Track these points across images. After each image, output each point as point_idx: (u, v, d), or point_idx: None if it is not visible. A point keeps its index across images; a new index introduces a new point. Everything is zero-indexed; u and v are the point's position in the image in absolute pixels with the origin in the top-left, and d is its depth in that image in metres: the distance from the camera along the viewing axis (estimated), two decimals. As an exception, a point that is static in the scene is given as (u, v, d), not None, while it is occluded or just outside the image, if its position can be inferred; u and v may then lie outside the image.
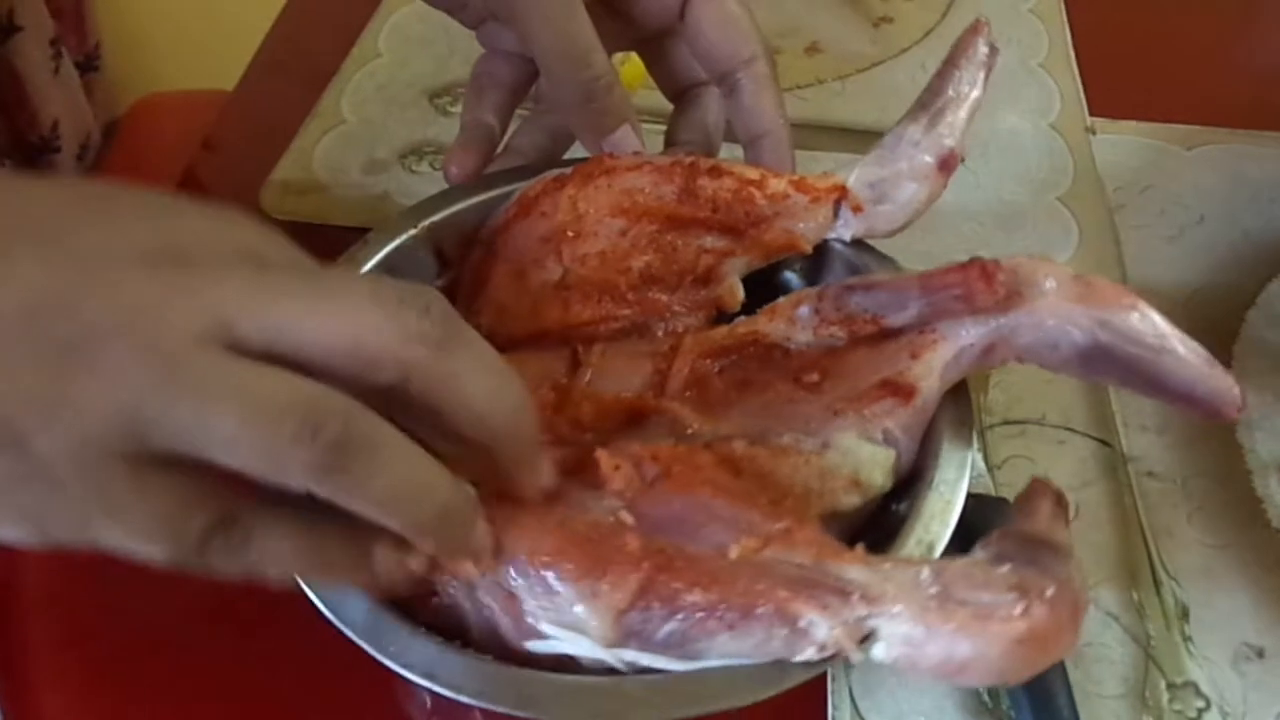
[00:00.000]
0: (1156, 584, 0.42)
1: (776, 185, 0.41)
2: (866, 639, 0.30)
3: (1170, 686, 0.39)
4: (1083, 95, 0.66)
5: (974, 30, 0.41)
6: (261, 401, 0.25)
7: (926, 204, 0.41)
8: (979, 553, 0.32)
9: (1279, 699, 0.39)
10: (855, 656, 0.30)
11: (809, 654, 0.30)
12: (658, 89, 0.49)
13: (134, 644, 0.41)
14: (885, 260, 0.42)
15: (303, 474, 0.25)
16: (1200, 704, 0.39)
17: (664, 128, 0.49)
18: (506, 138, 0.48)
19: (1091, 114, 0.65)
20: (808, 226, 0.41)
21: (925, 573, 0.30)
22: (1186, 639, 0.41)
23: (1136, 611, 0.42)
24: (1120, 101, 0.65)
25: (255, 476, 0.25)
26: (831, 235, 0.42)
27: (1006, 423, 0.48)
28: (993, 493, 0.45)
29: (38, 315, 0.25)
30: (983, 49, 0.41)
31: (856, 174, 0.41)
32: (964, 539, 0.41)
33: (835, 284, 0.39)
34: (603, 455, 0.33)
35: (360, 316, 0.26)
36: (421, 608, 0.33)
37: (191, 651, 0.41)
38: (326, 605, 0.32)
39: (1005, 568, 0.31)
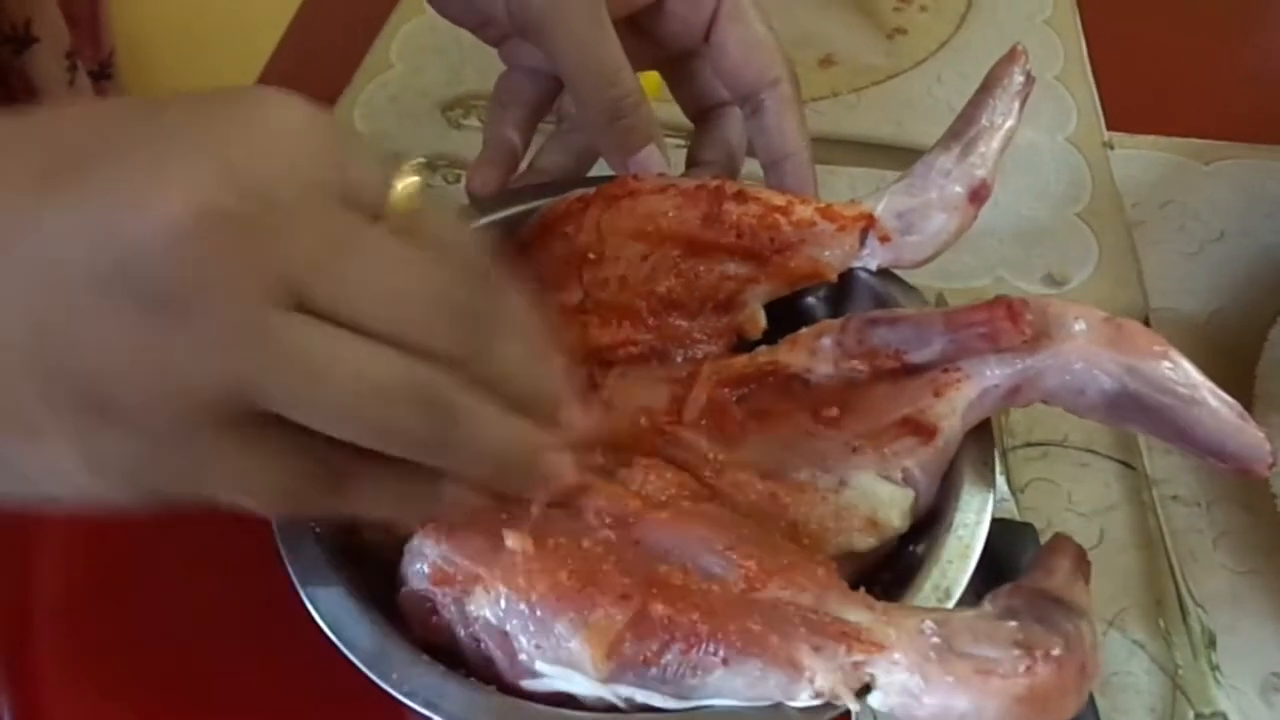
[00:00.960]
0: (1183, 611, 0.42)
1: (803, 212, 0.41)
2: (865, 687, 0.30)
3: (1198, 717, 0.39)
4: (1100, 109, 0.65)
5: (1010, 58, 0.40)
6: (360, 380, 0.25)
7: (955, 236, 0.40)
8: (987, 605, 0.32)
9: (1309, 730, 0.39)
10: (852, 705, 0.29)
11: (805, 698, 0.30)
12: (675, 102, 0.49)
13: (142, 656, 0.41)
14: (911, 291, 0.41)
15: (404, 447, 0.27)
16: (1229, 735, 0.39)
17: (683, 142, 0.48)
18: (530, 155, 0.48)
19: (1109, 128, 0.64)
20: (833, 255, 0.41)
21: (928, 623, 0.30)
22: (1214, 668, 0.40)
23: (1163, 639, 0.41)
24: (1138, 116, 0.65)
25: (356, 442, 0.26)
26: (857, 264, 0.41)
27: (1029, 445, 0.48)
28: (1017, 516, 0.44)
29: (115, 271, 0.24)
30: (1019, 78, 0.40)
31: (885, 203, 0.41)
32: (988, 566, 0.41)
33: (858, 316, 0.38)
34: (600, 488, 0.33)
35: (425, 303, 0.27)
36: (421, 625, 0.33)
37: (199, 664, 0.41)
38: (333, 630, 0.32)
39: (1012, 623, 0.30)
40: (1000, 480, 0.46)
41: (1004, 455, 0.47)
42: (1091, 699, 0.38)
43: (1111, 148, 0.63)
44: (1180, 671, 0.40)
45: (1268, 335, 0.53)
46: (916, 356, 0.36)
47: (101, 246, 0.24)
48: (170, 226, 0.23)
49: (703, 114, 0.48)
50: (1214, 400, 0.34)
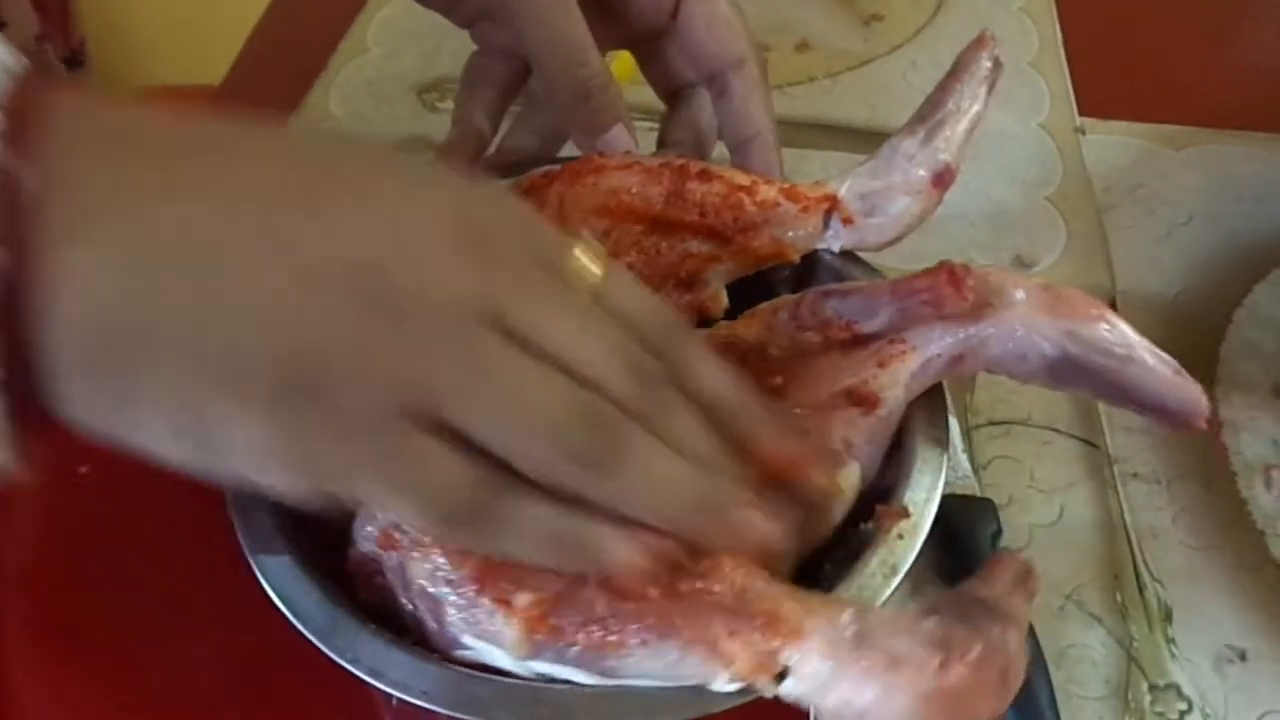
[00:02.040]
0: (1140, 586, 0.42)
1: (767, 192, 0.41)
2: (781, 675, 0.30)
3: (1152, 688, 0.40)
4: (1072, 95, 0.66)
5: (979, 44, 0.40)
6: (550, 406, 0.28)
7: (919, 219, 0.40)
8: (912, 605, 0.32)
9: (1261, 701, 0.39)
10: (768, 691, 0.30)
11: (722, 682, 0.30)
12: (648, 84, 0.49)
13: (105, 632, 0.41)
14: (873, 273, 0.41)
15: (570, 471, 0.28)
16: (1182, 706, 0.39)
17: (654, 124, 0.48)
18: (498, 137, 0.48)
19: (1081, 114, 0.65)
20: (796, 235, 0.41)
21: (847, 614, 0.29)
22: (1169, 641, 0.41)
23: (1120, 613, 0.42)
24: (1109, 102, 0.65)
25: (522, 468, 0.28)
26: (820, 246, 0.41)
27: (992, 423, 0.48)
28: (978, 494, 0.45)
29: (358, 272, 0.26)
30: (985, 63, 0.40)
31: (849, 185, 0.41)
32: (948, 541, 0.41)
33: (814, 290, 0.38)
34: None
35: (616, 358, 0.29)
36: (366, 586, 0.33)
37: (168, 640, 0.41)
38: (281, 599, 0.32)
39: (931, 621, 0.30)
40: (962, 458, 0.47)
41: (967, 433, 0.48)
42: (1046, 669, 0.38)
43: (1083, 133, 0.64)
44: (1135, 644, 0.41)
45: (1232, 317, 0.53)
46: (866, 326, 0.36)
47: (350, 252, 0.27)
48: (412, 244, 0.27)
49: (673, 94, 0.48)
50: (1150, 358, 0.35)
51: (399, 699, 0.31)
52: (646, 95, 0.50)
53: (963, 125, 0.41)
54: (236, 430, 0.27)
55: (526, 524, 0.29)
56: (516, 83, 0.48)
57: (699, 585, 0.30)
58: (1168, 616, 0.42)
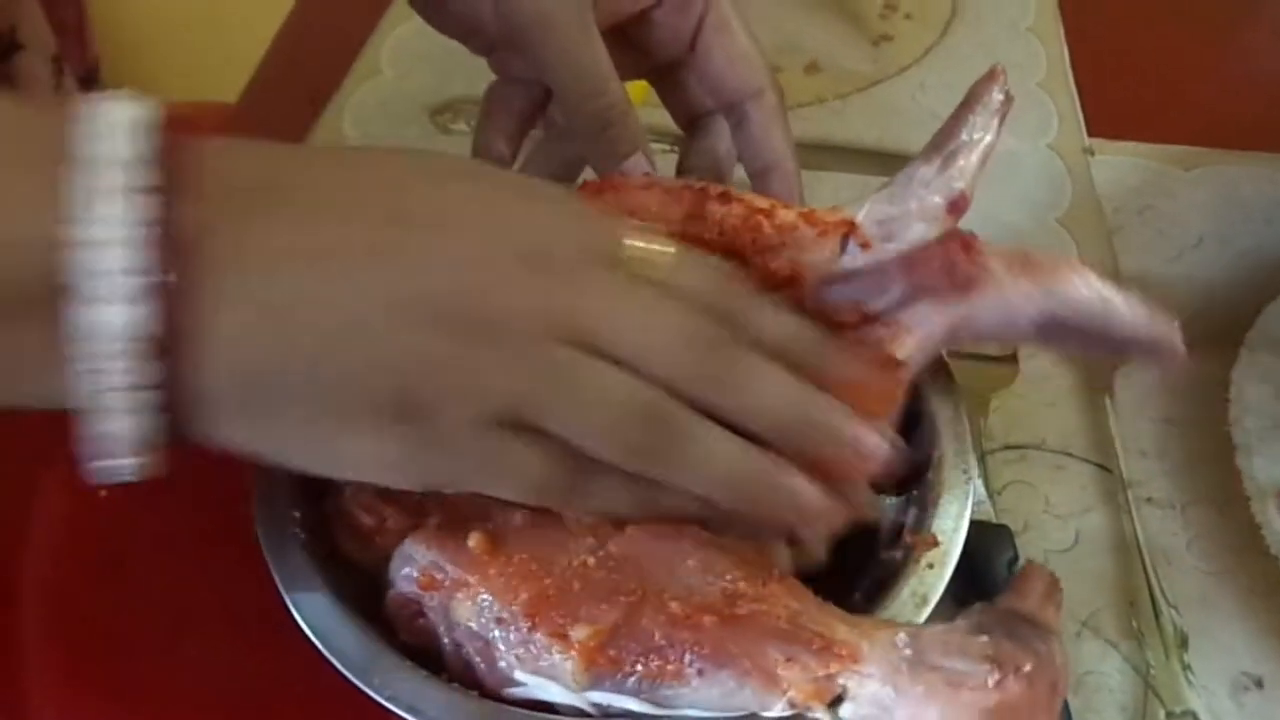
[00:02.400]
0: (1156, 612, 0.43)
1: (785, 216, 0.41)
2: (837, 699, 0.30)
3: (1169, 715, 0.40)
4: (1081, 116, 0.66)
5: (989, 78, 0.41)
6: (615, 405, 0.31)
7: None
8: (960, 621, 0.32)
9: (1277, 729, 0.40)
10: (823, 717, 0.30)
11: (778, 709, 0.30)
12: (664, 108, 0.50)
13: (128, 653, 0.41)
14: None
15: (641, 461, 0.32)
16: (1199, 733, 0.39)
17: (668, 148, 0.49)
18: (517, 164, 0.48)
19: (1090, 135, 0.65)
20: (813, 259, 0.41)
21: (901, 636, 0.30)
22: (1186, 668, 0.41)
23: (1136, 639, 0.42)
24: (1118, 122, 0.65)
25: (596, 455, 0.32)
26: (836, 270, 0.42)
27: (1006, 448, 0.49)
28: (993, 519, 0.45)
29: (441, 305, 0.30)
30: (998, 96, 0.41)
31: (866, 210, 0.41)
32: (965, 568, 0.41)
33: (813, 279, 0.39)
34: None
35: (677, 339, 0.32)
36: (406, 627, 0.34)
37: (184, 663, 0.41)
38: (317, 635, 0.33)
39: (984, 638, 0.31)
40: (977, 483, 0.47)
41: (982, 458, 0.48)
42: (1065, 702, 0.38)
43: (1092, 154, 0.64)
44: (1152, 671, 0.41)
45: (1243, 340, 0.54)
46: (877, 304, 0.37)
47: (442, 281, 0.30)
48: (496, 274, 0.31)
49: (692, 122, 0.49)
50: (1123, 303, 0.37)
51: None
52: (662, 117, 0.50)
53: (975, 155, 0.41)
54: (359, 452, 0.31)
55: (605, 493, 0.33)
56: (535, 110, 0.49)
57: (753, 608, 0.31)
58: (1184, 643, 0.42)
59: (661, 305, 0.33)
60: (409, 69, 0.69)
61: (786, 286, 0.42)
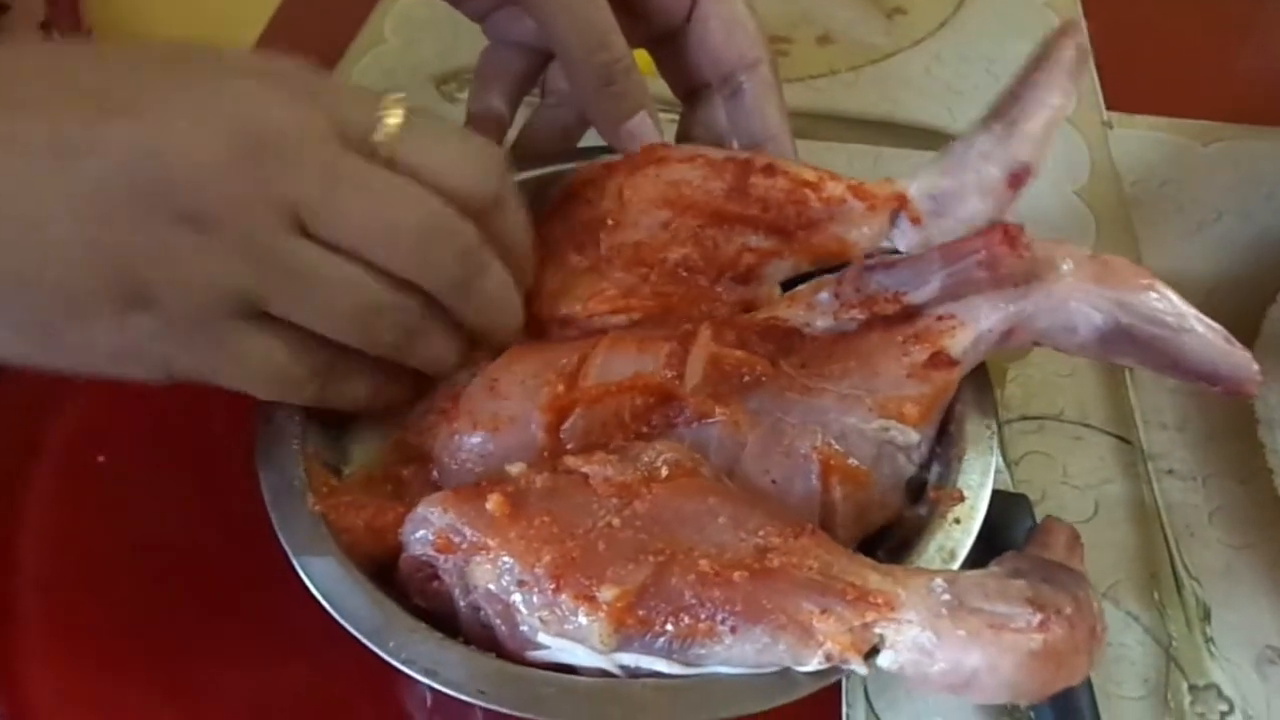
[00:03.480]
0: (1178, 584, 0.41)
1: (834, 189, 0.39)
2: (873, 652, 0.29)
3: (1192, 689, 0.39)
4: (1100, 90, 0.65)
5: (1064, 32, 0.38)
6: (342, 295, 0.32)
7: (989, 223, 0.38)
8: (994, 568, 0.31)
9: (1303, 703, 0.38)
10: (860, 669, 0.29)
11: (814, 663, 0.29)
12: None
13: (127, 631, 0.40)
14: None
15: (379, 351, 0.34)
16: (1223, 707, 0.38)
17: (674, 116, 0.48)
18: (513, 131, 0.47)
19: (1108, 109, 0.64)
20: (861, 234, 0.39)
21: (938, 581, 0.29)
22: (1208, 640, 0.40)
23: (1158, 611, 0.41)
24: (1137, 97, 0.64)
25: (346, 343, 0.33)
26: (885, 246, 0.40)
27: (1024, 418, 0.47)
28: (1011, 489, 0.44)
29: (150, 188, 0.29)
30: (1070, 52, 0.37)
31: (919, 183, 0.38)
32: (982, 536, 0.40)
33: (854, 266, 0.37)
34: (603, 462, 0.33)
35: (405, 237, 0.32)
36: (419, 590, 0.33)
37: (186, 638, 0.40)
38: (329, 600, 0.32)
39: (1021, 582, 0.30)
40: (996, 454, 0.46)
41: (999, 429, 0.47)
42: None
43: (1111, 128, 0.63)
44: (1174, 644, 0.40)
45: (1265, 314, 0.52)
46: (916, 296, 0.36)
47: (150, 168, 0.29)
48: (207, 158, 0.29)
49: (691, 93, 0.48)
50: (1201, 327, 0.34)
51: (436, 694, 0.30)
52: (663, 88, 0.49)
53: (1043, 121, 0.37)
54: (94, 342, 0.31)
55: (347, 382, 0.34)
56: (531, 75, 0.48)
57: (784, 561, 0.29)
58: (1206, 616, 0.41)
59: (389, 193, 0.32)
60: (413, 37, 0.68)
61: (832, 261, 0.40)
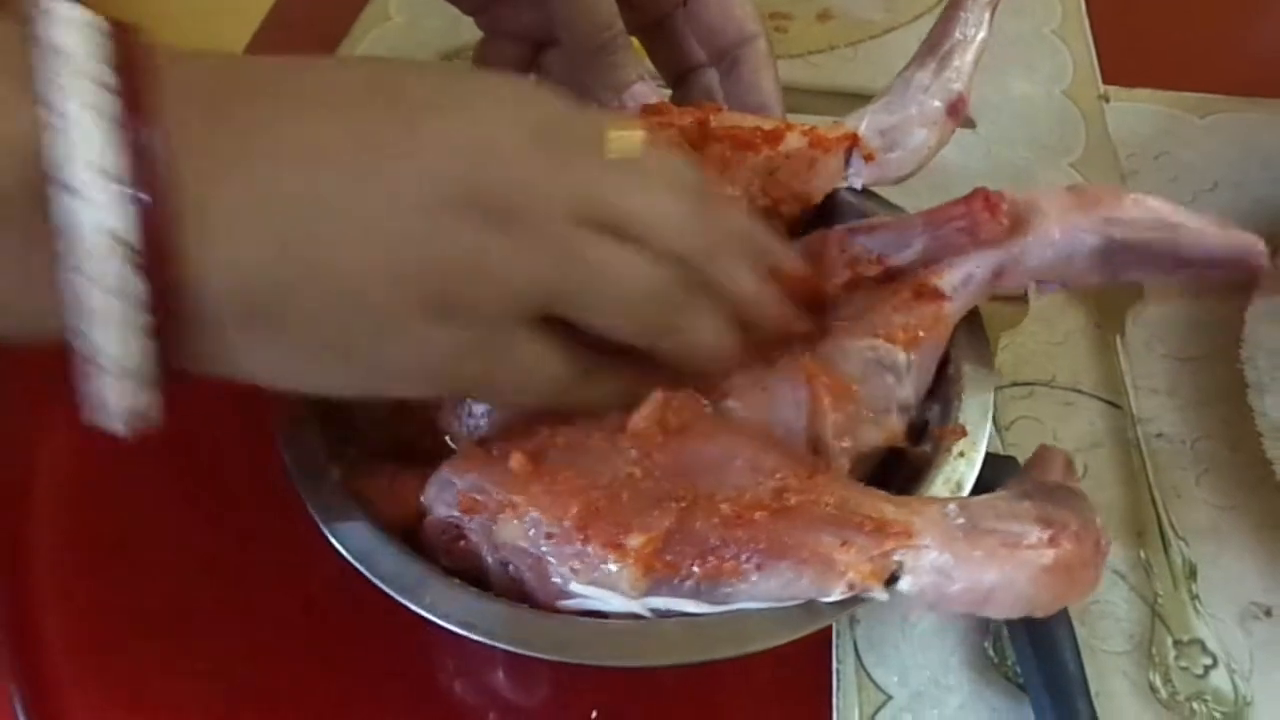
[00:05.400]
0: (1164, 543, 0.42)
1: (792, 139, 0.41)
2: (893, 579, 0.30)
3: (1177, 643, 0.39)
4: (1096, 62, 0.65)
5: None
6: (635, 286, 0.31)
7: (936, 149, 0.41)
8: (1000, 492, 0.33)
9: (1286, 657, 0.39)
10: (880, 595, 0.30)
11: (837, 593, 0.30)
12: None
13: (152, 614, 0.41)
14: (895, 211, 0.42)
15: (644, 338, 0.33)
16: (1207, 661, 0.39)
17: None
18: None
19: (1105, 82, 0.64)
20: (819, 176, 0.41)
21: (951, 506, 0.31)
22: (1194, 597, 0.41)
23: (1144, 570, 0.42)
24: (1134, 69, 0.65)
25: (615, 338, 0.32)
26: (842, 184, 0.42)
27: (1015, 384, 0.48)
28: (1001, 452, 0.45)
29: (464, 187, 0.29)
30: None
31: (867, 121, 0.41)
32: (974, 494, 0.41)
33: (839, 227, 0.39)
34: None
35: (682, 218, 0.33)
36: (446, 551, 0.34)
37: (200, 609, 0.41)
38: (362, 563, 0.32)
39: (1027, 503, 0.31)
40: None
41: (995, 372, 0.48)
42: (1070, 624, 0.38)
43: (1107, 100, 0.63)
44: (1160, 600, 0.41)
45: (1257, 282, 0.53)
46: (898, 259, 0.37)
47: (458, 172, 0.29)
48: (512, 150, 0.30)
49: (681, 77, 0.49)
50: (1191, 219, 0.36)
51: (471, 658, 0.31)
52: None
53: (970, 54, 0.41)
54: (384, 362, 0.29)
55: (599, 385, 0.33)
56: (526, 65, 0.49)
57: (801, 499, 0.31)
58: (1192, 574, 0.41)
59: (661, 186, 0.33)
60: (418, 15, 0.69)
61: (794, 205, 0.42)
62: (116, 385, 0.27)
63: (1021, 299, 0.52)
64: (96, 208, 0.25)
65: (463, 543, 0.33)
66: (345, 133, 0.28)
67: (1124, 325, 0.50)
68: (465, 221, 0.29)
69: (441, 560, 0.34)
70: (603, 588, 0.31)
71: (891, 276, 0.37)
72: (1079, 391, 0.48)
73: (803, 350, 0.36)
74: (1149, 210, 0.36)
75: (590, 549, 0.31)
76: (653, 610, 0.31)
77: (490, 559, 0.33)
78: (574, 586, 0.31)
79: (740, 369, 0.36)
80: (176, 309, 0.26)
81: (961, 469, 0.35)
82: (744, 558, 0.30)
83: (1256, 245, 0.36)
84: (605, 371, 0.33)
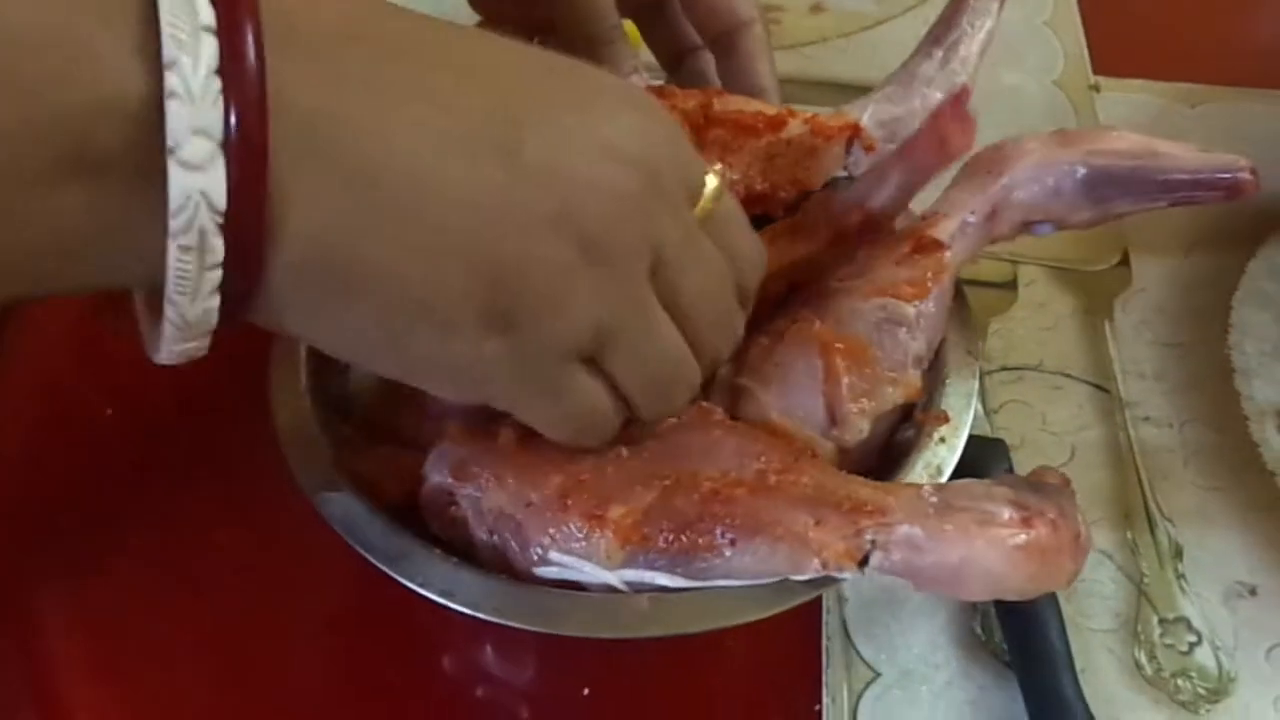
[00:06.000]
0: (1151, 524, 0.43)
1: (794, 126, 0.41)
2: (866, 560, 0.31)
3: (1162, 621, 0.40)
4: (1087, 53, 0.66)
5: None
6: (665, 358, 0.31)
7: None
8: (982, 480, 0.33)
9: (1270, 634, 0.40)
10: (854, 575, 0.30)
11: (811, 571, 0.30)
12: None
13: (149, 593, 0.41)
14: None
15: (649, 410, 0.33)
16: (1192, 638, 0.39)
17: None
18: None
19: (1096, 72, 0.65)
20: (820, 164, 0.41)
21: (926, 488, 0.31)
22: (1180, 577, 0.41)
23: (1130, 550, 0.42)
24: (1125, 60, 0.65)
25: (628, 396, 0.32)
26: (841, 174, 0.42)
27: (1005, 369, 0.49)
28: (990, 435, 0.45)
29: (569, 208, 0.28)
30: None
31: (870, 111, 0.41)
32: (959, 478, 0.42)
33: (818, 193, 0.39)
34: None
35: (719, 300, 0.33)
36: (438, 517, 0.34)
37: (196, 580, 0.41)
38: (348, 533, 0.33)
39: (1005, 488, 0.31)
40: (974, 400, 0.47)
41: (980, 379, 0.48)
42: (1057, 602, 0.39)
43: (1098, 90, 0.64)
44: (1146, 580, 0.41)
45: (1246, 268, 0.53)
46: (876, 201, 0.37)
47: (559, 194, 0.28)
48: (623, 188, 0.29)
49: (677, 60, 0.49)
50: (1170, 146, 0.37)
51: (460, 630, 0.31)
52: (647, 57, 0.50)
53: (977, 44, 0.42)
54: (435, 356, 0.29)
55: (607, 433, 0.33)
56: None
57: (781, 479, 0.31)
58: (1178, 554, 0.42)
59: (715, 259, 0.32)
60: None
61: (792, 190, 0.42)
62: (176, 334, 0.26)
63: (1010, 285, 0.52)
64: (191, 170, 0.24)
65: (454, 509, 0.34)
66: (452, 123, 0.27)
67: (1113, 311, 0.51)
68: (561, 241, 0.28)
69: (434, 526, 0.34)
70: (578, 557, 0.31)
71: (875, 223, 0.37)
72: (1068, 376, 0.48)
73: (811, 318, 0.37)
74: (1131, 141, 0.37)
75: (570, 518, 0.31)
76: (627, 583, 0.31)
77: (477, 528, 0.33)
78: (552, 554, 0.32)
79: (751, 344, 0.37)
80: (251, 273, 0.26)
81: (942, 454, 0.35)
82: (719, 532, 0.31)
83: (1238, 162, 0.37)
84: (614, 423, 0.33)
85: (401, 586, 0.32)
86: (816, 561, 0.30)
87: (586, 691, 0.38)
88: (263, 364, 0.38)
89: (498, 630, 0.32)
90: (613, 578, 0.31)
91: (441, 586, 0.32)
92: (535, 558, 0.32)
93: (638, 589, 0.32)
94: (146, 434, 0.45)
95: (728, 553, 0.31)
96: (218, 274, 0.25)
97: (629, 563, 0.31)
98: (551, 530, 0.32)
